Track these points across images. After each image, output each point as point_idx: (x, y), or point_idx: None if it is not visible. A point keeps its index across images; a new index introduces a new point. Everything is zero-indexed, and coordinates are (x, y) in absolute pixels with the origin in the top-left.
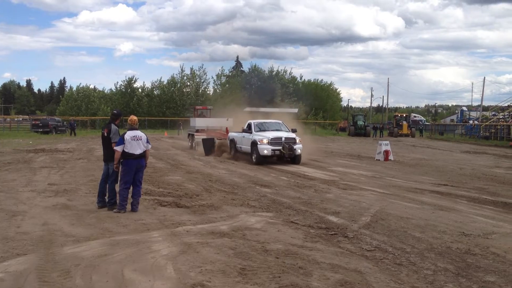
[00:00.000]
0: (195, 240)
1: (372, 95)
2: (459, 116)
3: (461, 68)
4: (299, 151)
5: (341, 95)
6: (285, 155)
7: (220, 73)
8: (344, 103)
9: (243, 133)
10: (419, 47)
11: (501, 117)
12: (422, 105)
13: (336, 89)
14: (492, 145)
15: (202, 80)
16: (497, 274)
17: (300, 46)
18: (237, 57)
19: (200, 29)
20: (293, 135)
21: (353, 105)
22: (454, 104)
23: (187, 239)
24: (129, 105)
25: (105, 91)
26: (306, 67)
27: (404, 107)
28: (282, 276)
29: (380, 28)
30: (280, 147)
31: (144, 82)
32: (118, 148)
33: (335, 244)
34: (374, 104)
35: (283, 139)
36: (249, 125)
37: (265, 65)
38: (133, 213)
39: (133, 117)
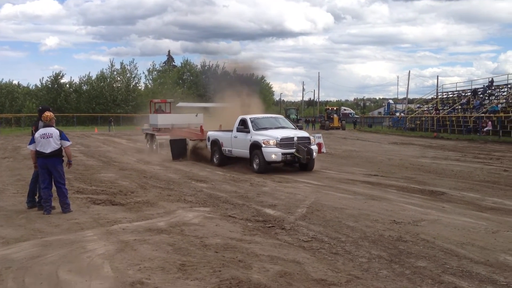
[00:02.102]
0: (132, 237)
1: (303, 89)
2: (386, 108)
3: (387, 63)
4: (314, 154)
5: (273, 89)
6: (301, 160)
7: (151, 68)
8: (276, 97)
9: (235, 133)
10: (348, 42)
11: (425, 109)
12: (351, 98)
13: (268, 83)
14: (417, 136)
15: (133, 75)
16: (428, 259)
17: (232, 41)
18: (169, 51)
19: (130, 23)
20: (306, 133)
21: (285, 99)
22: (381, 97)
23: (123, 237)
24: (56, 101)
25: (30, 87)
26: (238, 61)
27: (335, 101)
28: (222, 270)
29: (310, 23)
30: (292, 150)
31: (71, 78)
32: (30, 147)
33: (273, 236)
34: (306, 98)
35: (295, 139)
36: (244, 122)
37: (198, 60)
38: (66, 213)
39: (46, 113)
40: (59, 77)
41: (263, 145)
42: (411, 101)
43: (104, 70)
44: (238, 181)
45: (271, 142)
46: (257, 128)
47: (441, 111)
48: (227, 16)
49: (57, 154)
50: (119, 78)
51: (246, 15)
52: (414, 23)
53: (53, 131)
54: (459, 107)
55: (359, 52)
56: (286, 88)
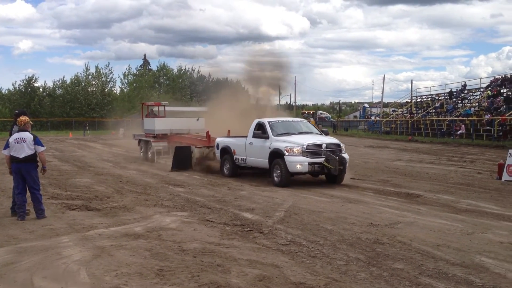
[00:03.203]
0: (108, 243)
1: (280, 93)
2: (361, 112)
3: (362, 67)
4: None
5: (250, 93)
6: (331, 171)
7: (127, 71)
8: (253, 101)
9: (250, 139)
10: (323, 46)
11: (400, 112)
12: (327, 102)
13: (244, 87)
14: (392, 139)
15: (108, 79)
16: (405, 261)
17: (208, 45)
18: (145, 55)
19: (105, 26)
20: (335, 140)
21: (262, 103)
22: (356, 101)
23: (100, 242)
24: (30, 105)
25: (3, 91)
26: (215, 65)
27: (311, 105)
28: (201, 275)
29: (286, 28)
30: (320, 159)
31: (45, 82)
32: (5, 152)
33: (251, 240)
34: (282, 102)
35: (323, 146)
36: (261, 126)
37: (174, 64)
38: (40, 219)
39: (21, 118)
40: (33, 81)
41: (286, 153)
42: (386, 105)
43: (79, 74)
44: (215, 185)
45: (296, 149)
46: (278, 133)
47: (415, 114)
48: (204, 20)
49: (31, 159)
50: (94, 82)
51: (222, 19)
52: (388, 28)
53: (27, 135)
54: (433, 110)
55: (335, 56)
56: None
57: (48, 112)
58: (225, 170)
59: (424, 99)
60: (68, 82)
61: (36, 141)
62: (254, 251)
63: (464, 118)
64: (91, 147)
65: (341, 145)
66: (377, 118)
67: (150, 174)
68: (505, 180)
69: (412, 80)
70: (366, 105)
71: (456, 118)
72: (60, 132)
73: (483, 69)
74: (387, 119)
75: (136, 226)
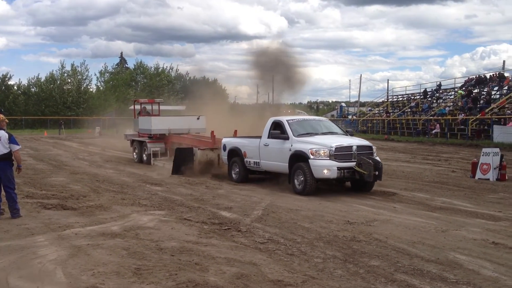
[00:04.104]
0: (85, 242)
1: (258, 92)
2: (338, 111)
3: (339, 66)
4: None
5: (228, 92)
6: (365, 177)
7: (103, 69)
8: (231, 100)
9: (265, 139)
10: (301, 45)
11: (376, 112)
12: (304, 101)
13: (221, 86)
14: (369, 138)
15: (84, 77)
16: (381, 258)
17: (186, 43)
18: (121, 53)
19: (81, 24)
20: (365, 141)
21: (240, 102)
22: (334, 100)
23: (76, 242)
24: (4, 103)
25: None
26: (192, 64)
27: (288, 104)
28: (178, 273)
29: (264, 27)
30: (351, 164)
31: (20, 80)
32: None
33: (229, 239)
34: (260, 101)
35: (354, 148)
36: (279, 126)
37: (151, 62)
38: (15, 218)
39: None
40: (7, 78)
41: (311, 157)
42: (362, 104)
43: (54, 72)
44: (193, 184)
45: (322, 152)
46: (299, 133)
47: (391, 114)
48: (181, 18)
49: (6, 158)
50: (69, 80)
51: (200, 17)
52: (365, 28)
53: (2, 134)
54: (409, 110)
55: (312, 55)
56: (241, 90)
57: (22, 111)
58: (233, 175)
59: (400, 99)
60: (43, 80)
61: (11, 140)
62: (232, 249)
63: (439, 117)
64: (66, 145)
65: (373, 147)
66: (354, 117)
67: (127, 173)
68: (478, 178)
69: (388, 80)
70: (343, 104)
71: (431, 117)
72: (35, 131)
73: (458, 69)
74: (363, 118)
75: (113, 225)
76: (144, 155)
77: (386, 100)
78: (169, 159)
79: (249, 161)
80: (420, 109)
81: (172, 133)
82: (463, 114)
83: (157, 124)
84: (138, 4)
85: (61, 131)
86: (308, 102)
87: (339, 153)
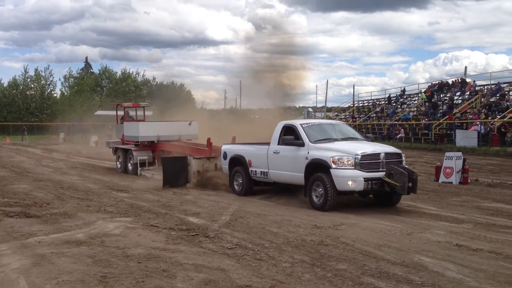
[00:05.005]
0: (49, 250)
1: (225, 97)
2: (305, 116)
3: (306, 72)
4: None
5: (195, 97)
6: (397, 189)
7: (67, 74)
8: (198, 105)
9: (275, 146)
10: (268, 51)
11: (342, 117)
12: (272, 106)
13: (188, 91)
14: None
15: (48, 82)
16: (348, 262)
17: (153, 48)
18: (86, 58)
19: (45, 28)
20: (393, 148)
21: (208, 107)
22: (301, 105)
23: (40, 250)
24: None
25: None
26: (159, 69)
27: (256, 108)
28: (145, 281)
29: (232, 32)
30: (379, 174)
31: None
32: None
33: (197, 245)
34: (228, 106)
35: (382, 156)
36: (291, 130)
37: (117, 67)
38: None
39: None
40: None
41: (333, 166)
42: (329, 110)
43: (17, 77)
44: (160, 190)
45: (346, 160)
46: (316, 139)
47: (357, 119)
48: (148, 23)
49: None
50: (33, 86)
51: (167, 22)
52: (331, 34)
53: None
54: (374, 115)
55: (280, 61)
56: (208, 96)
57: None
58: (236, 187)
59: (366, 104)
60: (5, 85)
61: None
62: (200, 255)
63: (403, 122)
64: (30, 152)
65: (402, 155)
66: None
67: (93, 180)
68: (441, 182)
69: (354, 85)
70: (310, 109)
71: (395, 122)
72: None
73: (421, 75)
74: None
75: (77, 233)
76: (129, 165)
77: (352, 105)
78: (157, 168)
79: (255, 171)
80: (385, 114)
81: (161, 140)
82: (426, 119)
83: (145, 130)
84: (103, 9)
85: (24, 137)
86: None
87: (366, 162)
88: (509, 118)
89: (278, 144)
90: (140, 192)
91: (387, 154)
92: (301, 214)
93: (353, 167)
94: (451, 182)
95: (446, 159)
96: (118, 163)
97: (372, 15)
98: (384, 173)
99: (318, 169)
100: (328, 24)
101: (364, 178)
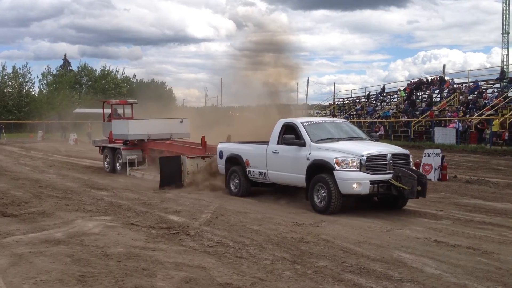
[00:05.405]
0: (26, 250)
1: (206, 95)
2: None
3: (287, 70)
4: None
5: (176, 95)
6: (406, 193)
7: (46, 72)
8: (179, 103)
9: (274, 145)
10: (249, 49)
11: (323, 114)
12: (253, 104)
13: (169, 88)
14: None
15: (26, 80)
16: (328, 258)
17: (133, 46)
18: (65, 55)
19: (23, 25)
20: (400, 148)
21: (189, 105)
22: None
23: (17, 249)
24: None
25: None
26: (140, 66)
27: (237, 107)
28: (125, 280)
29: (213, 30)
30: (386, 176)
31: None
32: None
33: (178, 243)
34: (209, 104)
35: (389, 157)
36: (292, 129)
37: (97, 64)
38: None
39: None
40: None
41: (337, 167)
42: (310, 107)
43: None
44: (141, 188)
45: (350, 161)
46: (318, 138)
47: (338, 116)
48: (128, 20)
49: None
50: (10, 83)
51: (147, 19)
52: (312, 32)
53: None
54: (354, 112)
55: (261, 59)
56: (189, 94)
57: None
58: (232, 187)
59: (346, 102)
60: None
61: None
62: (180, 253)
63: (383, 119)
64: (7, 150)
65: (410, 155)
66: None
67: (72, 178)
68: None
69: (334, 83)
70: (291, 107)
71: (375, 119)
72: None
73: (400, 73)
74: None
75: (56, 232)
76: (117, 164)
77: (332, 103)
78: (147, 168)
79: (253, 171)
80: (365, 112)
81: (152, 139)
82: (405, 117)
83: (135, 129)
84: (82, 5)
85: (2, 135)
86: (256, 105)
87: (372, 163)
88: (486, 116)
89: (278, 143)
90: (120, 190)
91: (394, 155)
92: (282, 212)
93: (358, 169)
94: (430, 179)
95: (425, 156)
96: (105, 162)
97: (352, 13)
98: (391, 175)
99: (320, 170)
100: (309, 22)
101: (370, 181)
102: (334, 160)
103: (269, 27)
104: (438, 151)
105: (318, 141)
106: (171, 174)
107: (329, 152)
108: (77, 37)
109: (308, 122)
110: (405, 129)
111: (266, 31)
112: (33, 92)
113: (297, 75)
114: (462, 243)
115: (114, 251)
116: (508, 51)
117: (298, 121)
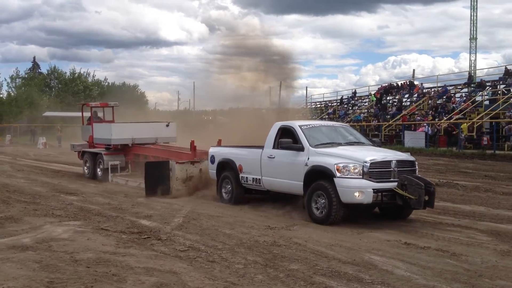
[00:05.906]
0: None
1: (179, 99)
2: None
3: (259, 74)
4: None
5: (148, 98)
6: (412, 204)
7: (15, 75)
8: (151, 106)
9: (270, 150)
10: (221, 52)
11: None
12: (226, 108)
13: (141, 92)
14: None
15: None
16: (300, 262)
17: (104, 49)
18: (34, 58)
19: None
20: (405, 155)
21: (161, 109)
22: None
23: None
24: None
25: None
26: (111, 70)
27: (210, 110)
28: (94, 286)
29: (185, 33)
30: (390, 184)
31: None
32: None
33: (149, 248)
34: (181, 107)
35: (394, 164)
36: (289, 132)
37: (67, 67)
38: None
39: None
40: None
41: (338, 174)
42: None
43: None
44: (111, 193)
45: (352, 168)
46: (317, 143)
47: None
48: (99, 23)
49: None
50: None
51: (119, 22)
52: (284, 36)
53: None
54: (326, 116)
55: (233, 62)
56: (161, 97)
57: None
58: (224, 194)
59: (318, 106)
60: None
61: None
62: (151, 258)
63: (355, 123)
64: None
65: (415, 162)
66: None
67: (40, 183)
68: None
69: (306, 87)
70: (263, 111)
71: (347, 123)
72: None
73: (371, 77)
74: None
75: (24, 238)
76: (98, 170)
77: (305, 107)
78: (131, 174)
79: (246, 178)
80: (337, 116)
81: (136, 143)
82: (376, 120)
83: (119, 133)
84: (52, 7)
85: None
86: (229, 108)
87: (375, 170)
88: (455, 120)
89: (274, 147)
90: (90, 195)
91: (399, 162)
92: (255, 216)
93: (361, 176)
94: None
95: None
96: (85, 168)
97: (324, 18)
98: (396, 183)
99: (319, 177)
100: (281, 27)
101: (373, 189)
102: (335, 166)
103: (241, 31)
104: (408, 154)
105: (317, 146)
106: (157, 181)
107: (329, 157)
108: (47, 40)
109: (306, 125)
110: (376, 132)
111: (239, 34)
112: (1, 95)
113: (270, 79)
114: (431, 245)
115: (83, 257)
116: (475, 56)
117: (296, 124)
